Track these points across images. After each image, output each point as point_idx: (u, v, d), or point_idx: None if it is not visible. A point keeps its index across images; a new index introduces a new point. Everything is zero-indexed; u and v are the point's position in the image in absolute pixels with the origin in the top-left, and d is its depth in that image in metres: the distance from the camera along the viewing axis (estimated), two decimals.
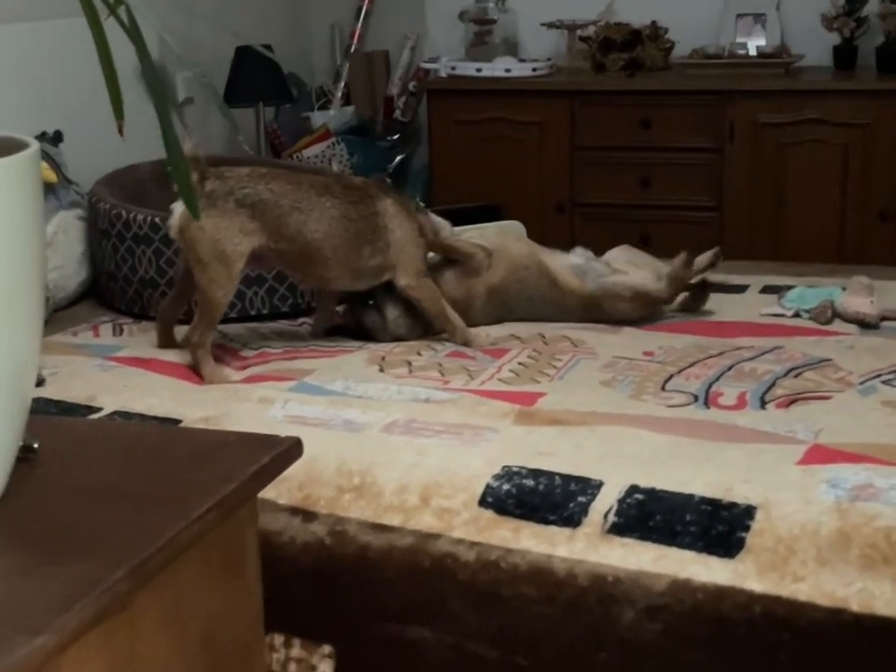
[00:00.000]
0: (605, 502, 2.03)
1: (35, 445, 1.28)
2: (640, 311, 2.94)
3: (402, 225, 2.83)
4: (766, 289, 3.19)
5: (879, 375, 2.52)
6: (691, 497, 2.01)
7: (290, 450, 1.33)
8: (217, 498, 1.18)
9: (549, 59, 4.70)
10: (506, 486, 2.09)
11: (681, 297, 3.03)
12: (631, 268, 2.97)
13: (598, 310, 2.93)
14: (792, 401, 2.40)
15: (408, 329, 2.89)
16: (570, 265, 2.97)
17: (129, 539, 1.10)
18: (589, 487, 2.06)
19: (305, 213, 2.73)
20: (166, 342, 2.84)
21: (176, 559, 1.13)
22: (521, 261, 2.96)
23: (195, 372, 2.67)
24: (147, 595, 1.11)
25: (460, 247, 2.94)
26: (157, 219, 3.07)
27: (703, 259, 3.04)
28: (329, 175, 2.93)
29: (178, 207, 2.69)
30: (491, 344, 2.81)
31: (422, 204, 3.11)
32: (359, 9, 5.10)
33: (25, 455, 1.25)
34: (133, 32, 1.22)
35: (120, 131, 1.27)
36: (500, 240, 3.02)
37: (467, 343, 2.81)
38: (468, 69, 4.63)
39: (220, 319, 2.73)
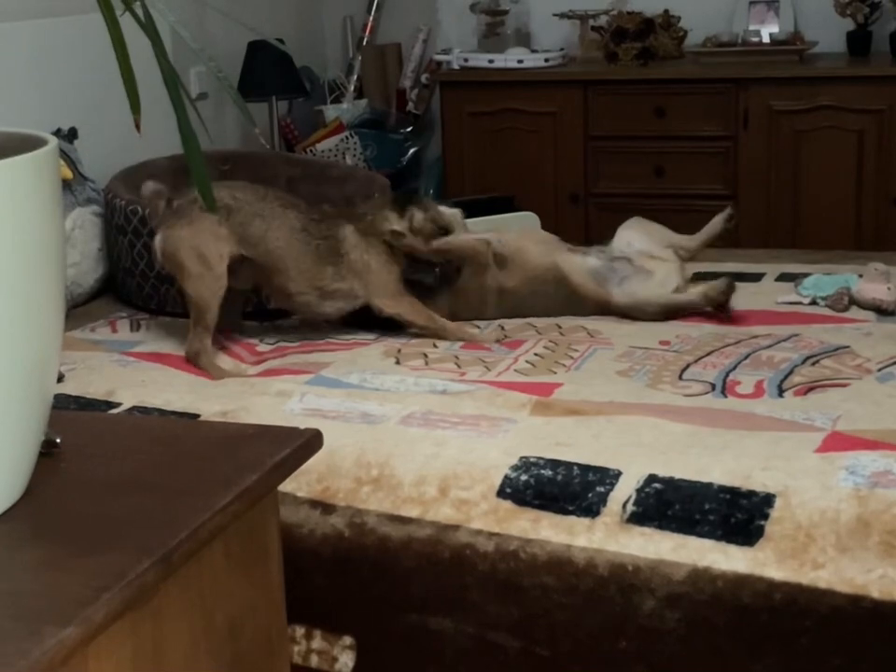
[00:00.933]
0: (623, 492, 2.04)
1: (58, 440, 1.28)
2: (667, 317, 2.92)
3: (367, 252, 2.85)
4: (782, 277, 3.18)
5: None
6: (709, 485, 2.01)
7: (310, 442, 1.33)
8: (240, 490, 1.19)
9: (561, 49, 4.70)
10: (524, 477, 2.09)
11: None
12: (654, 263, 2.94)
13: (620, 313, 2.92)
14: (810, 389, 2.39)
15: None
16: (589, 270, 2.95)
17: (153, 531, 1.11)
18: (607, 477, 2.07)
19: (267, 221, 2.79)
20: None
21: (200, 550, 1.14)
22: (538, 271, 2.94)
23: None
24: (171, 587, 1.12)
25: (456, 247, 2.93)
26: None
27: (715, 222, 3.05)
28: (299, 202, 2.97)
29: (157, 239, 2.80)
30: (496, 340, 2.81)
31: (429, 199, 3.11)
32: (371, 2, 5.11)
33: (48, 450, 1.26)
34: (149, 27, 1.23)
35: (137, 126, 1.27)
36: (520, 243, 2.99)
37: (465, 340, 2.81)
38: (480, 61, 4.63)
39: (216, 322, 2.75)
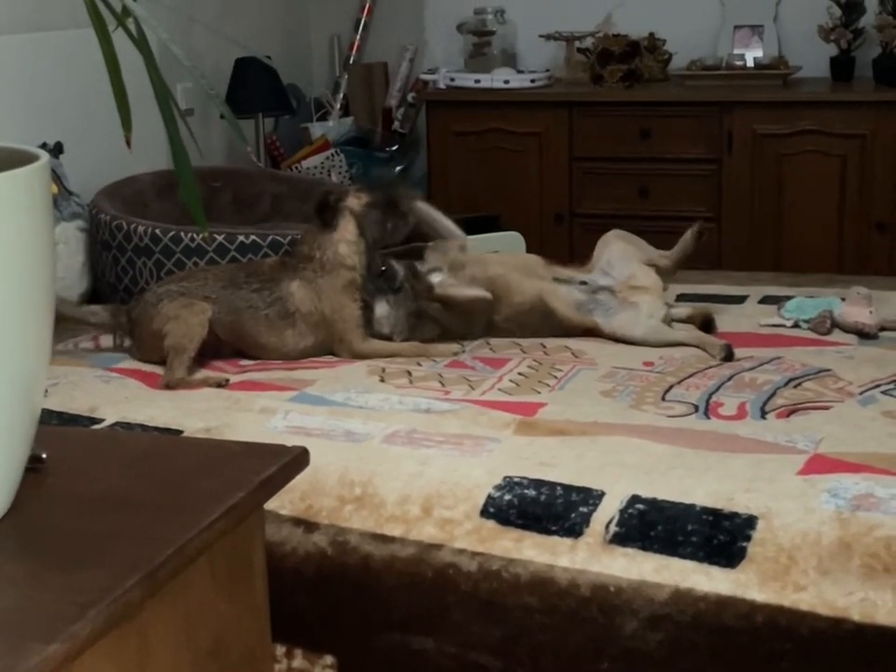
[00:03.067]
0: (606, 512, 2.04)
1: (44, 455, 1.28)
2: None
3: (318, 301, 2.82)
4: (765, 300, 3.20)
5: (879, 385, 2.53)
6: (692, 506, 2.02)
7: (297, 459, 1.33)
8: (226, 507, 1.19)
9: (547, 70, 4.72)
10: (507, 496, 2.10)
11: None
12: (638, 294, 2.94)
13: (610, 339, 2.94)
14: (792, 411, 2.40)
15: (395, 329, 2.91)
16: (574, 302, 2.94)
17: (139, 548, 1.11)
18: (591, 497, 2.07)
19: (217, 303, 2.80)
20: None
21: (186, 568, 1.14)
22: (524, 305, 2.93)
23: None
24: (156, 604, 1.11)
25: (457, 297, 2.91)
26: (157, 231, 3.09)
27: (686, 239, 3.04)
28: (237, 265, 2.99)
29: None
30: (454, 353, 2.82)
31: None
32: (358, 21, 5.12)
33: (34, 465, 1.25)
34: (142, 43, 1.23)
35: (128, 143, 1.27)
36: (505, 276, 2.96)
37: (424, 356, 2.82)
38: (466, 80, 4.65)
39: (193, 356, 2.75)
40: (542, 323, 2.93)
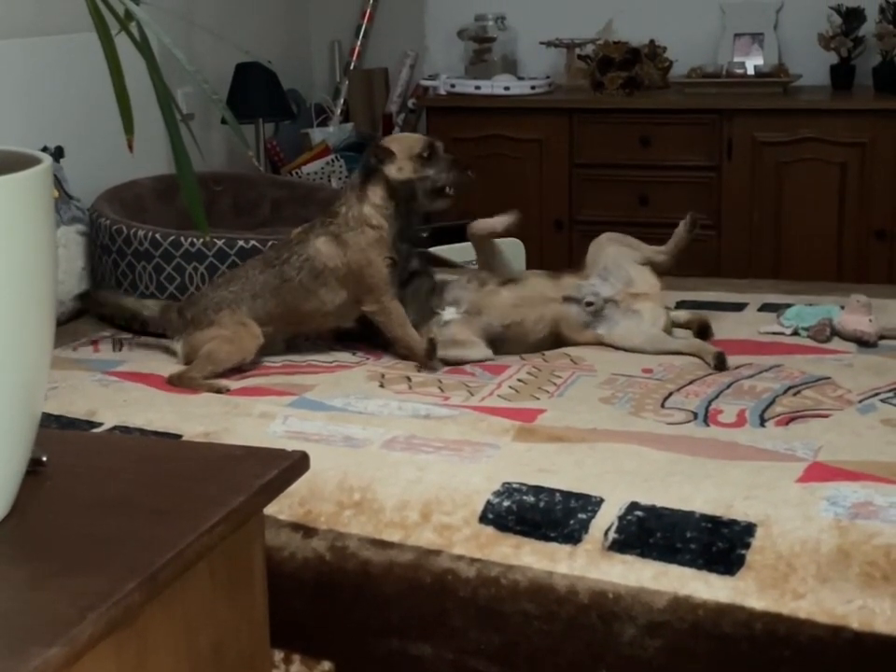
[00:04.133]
0: (605, 519, 2.04)
1: (44, 458, 1.28)
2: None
3: (344, 255, 2.83)
4: (765, 307, 3.20)
5: (878, 393, 2.53)
6: (691, 514, 2.01)
7: (297, 464, 1.33)
8: (226, 511, 1.19)
9: (548, 77, 4.72)
10: (506, 503, 2.10)
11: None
12: (639, 302, 2.93)
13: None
14: (792, 419, 2.40)
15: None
16: (582, 323, 2.93)
17: (139, 552, 1.11)
18: (589, 504, 2.07)
19: (261, 296, 2.84)
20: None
21: (186, 572, 1.14)
22: (536, 342, 2.91)
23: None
24: (156, 608, 1.11)
25: (455, 359, 2.83)
26: (157, 235, 3.09)
27: (679, 233, 3.04)
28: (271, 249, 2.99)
29: (180, 346, 2.87)
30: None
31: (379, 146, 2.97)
32: (359, 27, 5.13)
33: (34, 468, 1.25)
34: (145, 47, 1.23)
35: (130, 147, 1.28)
36: (524, 326, 2.91)
37: (423, 366, 2.78)
38: (467, 87, 4.65)
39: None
40: (549, 346, 2.93)
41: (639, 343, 2.86)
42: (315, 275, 2.84)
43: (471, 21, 4.86)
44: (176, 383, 2.70)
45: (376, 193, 2.86)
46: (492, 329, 2.90)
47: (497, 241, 3.15)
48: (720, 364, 2.71)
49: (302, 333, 2.95)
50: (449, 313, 2.92)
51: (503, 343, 2.89)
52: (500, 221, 3.04)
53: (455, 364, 2.81)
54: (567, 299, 2.94)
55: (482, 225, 3.07)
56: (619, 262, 2.99)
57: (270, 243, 3.04)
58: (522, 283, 2.99)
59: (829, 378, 2.63)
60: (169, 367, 2.82)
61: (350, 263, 2.84)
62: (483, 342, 2.88)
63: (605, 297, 2.94)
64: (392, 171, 2.87)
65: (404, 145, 2.93)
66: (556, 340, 2.93)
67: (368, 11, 5.11)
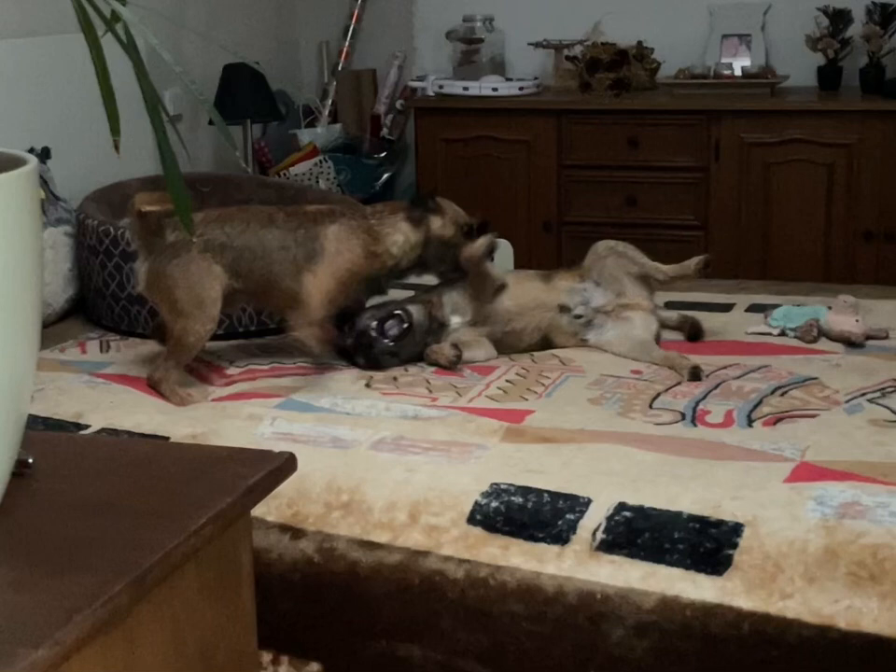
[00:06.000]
0: (593, 520, 2.04)
1: (30, 460, 1.28)
2: None
3: (343, 244, 2.75)
4: (752, 308, 3.20)
5: (865, 394, 2.53)
6: (679, 514, 2.02)
7: (284, 465, 1.33)
8: (213, 512, 1.19)
9: (536, 78, 4.73)
10: (494, 504, 2.10)
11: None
12: (630, 311, 2.94)
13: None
14: (779, 419, 2.41)
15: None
16: (574, 332, 2.93)
17: (126, 553, 1.11)
18: (577, 505, 2.07)
19: (253, 251, 2.72)
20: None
21: (173, 573, 1.13)
22: (528, 346, 2.92)
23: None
24: (144, 609, 1.11)
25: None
26: None
27: (688, 266, 3.03)
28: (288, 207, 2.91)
29: (141, 266, 2.71)
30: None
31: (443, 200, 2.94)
32: (347, 28, 5.13)
33: (20, 470, 1.25)
34: (131, 48, 1.23)
35: (117, 148, 1.27)
36: (521, 334, 2.91)
37: (302, 342, 2.74)
38: (455, 88, 4.65)
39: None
40: (538, 350, 2.92)
41: (626, 350, 2.87)
42: (309, 258, 2.74)
43: (460, 22, 4.86)
44: (155, 386, 2.66)
45: (413, 233, 2.83)
46: (494, 335, 2.91)
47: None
48: (694, 377, 2.69)
49: (260, 307, 2.88)
50: (455, 321, 2.91)
51: (499, 345, 2.90)
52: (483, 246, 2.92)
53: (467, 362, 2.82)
54: (562, 308, 2.94)
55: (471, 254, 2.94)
56: (615, 275, 2.98)
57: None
58: (518, 288, 2.98)
59: (816, 378, 2.64)
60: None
61: (335, 256, 2.75)
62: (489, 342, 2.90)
63: (594, 307, 2.94)
64: (437, 223, 2.85)
65: (455, 209, 2.92)
66: (547, 346, 2.93)
67: (356, 12, 5.11)
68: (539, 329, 2.93)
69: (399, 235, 2.82)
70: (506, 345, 2.90)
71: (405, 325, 2.82)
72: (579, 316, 2.93)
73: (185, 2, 4.33)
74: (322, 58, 5.19)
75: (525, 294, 2.97)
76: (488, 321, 2.91)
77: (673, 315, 3.07)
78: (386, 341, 2.81)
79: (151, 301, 2.78)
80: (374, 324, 2.82)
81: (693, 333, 2.97)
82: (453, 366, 2.78)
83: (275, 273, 2.73)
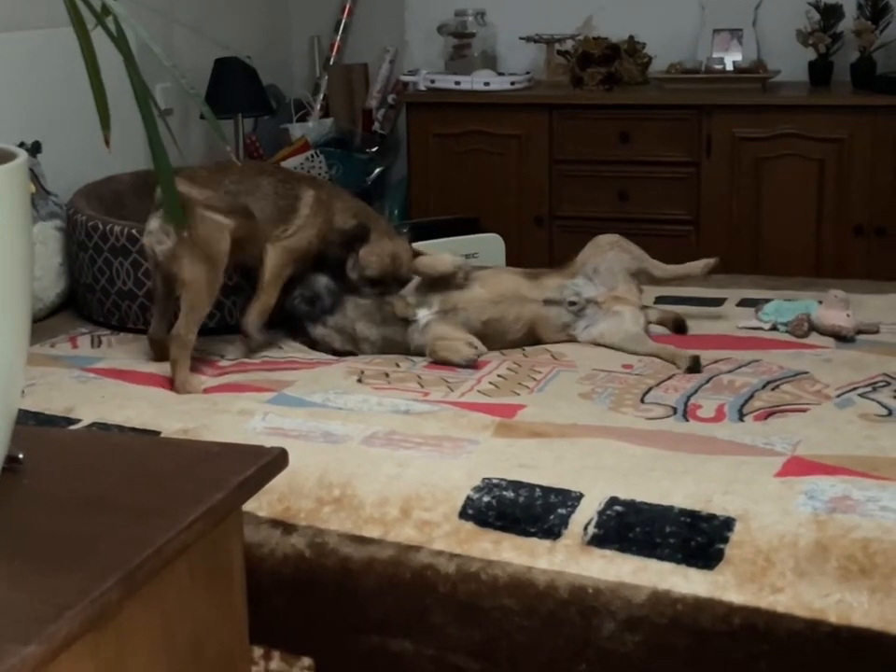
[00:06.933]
0: (585, 514, 2.04)
1: (21, 456, 1.27)
2: None
3: (314, 214, 2.93)
4: (743, 302, 3.21)
5: (856, 388, 2.54)
6: (670, 508, 2.02)
7: (276, 460, 1.33)
8: (204, 508, 1.18)
9: (527, 72, 4.72)
10: (486, 498, 2.10)
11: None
12: (620, 304, 2.94)
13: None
14: (770, 414, 2.41)
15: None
16: (562, 325, 2.94)
17: (117, 549, 1.11)
18: (569, 499, 2.07)
19: (250, 195, 2.87)
20: (164, 356, 2.80)
21: (164, 569, 1.13)
22: (514, 340, 2.91)
23: (168, 379, 2.68)
24: (135, 605, 1.11)
25: (450, 359, 2.83)
26: (134, 231, 3.07)
27: (694, 268, 3.05)
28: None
29: (154, 223, 2.77)
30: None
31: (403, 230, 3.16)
32: (339, 22, 5.12)
33: (10, 466, 1.25)
34: (122, 42, 1.23)
35: (107, 142, 1.27)
36: (503, 323, 2.91)
37: (243, 328, 2.88)
38: (447, 82, 4.64)
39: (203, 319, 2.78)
40: (526, 345, 2.92)
41: (618, 341, 2.87)
42: (288, 210, 2.90)
43: (451, 16, 4.86)
44: (175, 355, 2.67)
45: (386, 251, 2.99)
46: (471, 325, 2.89)
47: (473, 237, 3.18)
48: (693, 368, 2.70)
49: (243, 259, 2.92)
50: (423, 315, 2.91)
51: (482, 339, 2.88)
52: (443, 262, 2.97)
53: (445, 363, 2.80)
54: (548, 301, 2.94)
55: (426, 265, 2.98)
56: (612, 268, 2.98)
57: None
58: (494, 278, 2.98)
59: (807, 373, 2.64)
60: (149, 365, 2.80)
61: (306, 223, 2.92)
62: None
63: (587, 297, 2.94)
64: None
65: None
66: (533, 341, 2.93)
67: (347, 6, 5.10)
68: (523, 321, 2.92)
69: (381, 247, 2.98)
70: (490, 338, 2.89)
71: (310, 294, 2.96)
72: (573, 303, 2.93)
73: None
74: (314, 52, 5.18)
75: (500, 284, 2.96)
76: (460, 310, 2.90)
77: (654, 311, 3.06)
78: (306, 309, 2.96)
79: (162, 258, 2.78)
80: (296, 301, 2.97)
81: (677, 328, 2.97)
82: (470, 364, 2.77)
83: (263, 220, 2.88)
